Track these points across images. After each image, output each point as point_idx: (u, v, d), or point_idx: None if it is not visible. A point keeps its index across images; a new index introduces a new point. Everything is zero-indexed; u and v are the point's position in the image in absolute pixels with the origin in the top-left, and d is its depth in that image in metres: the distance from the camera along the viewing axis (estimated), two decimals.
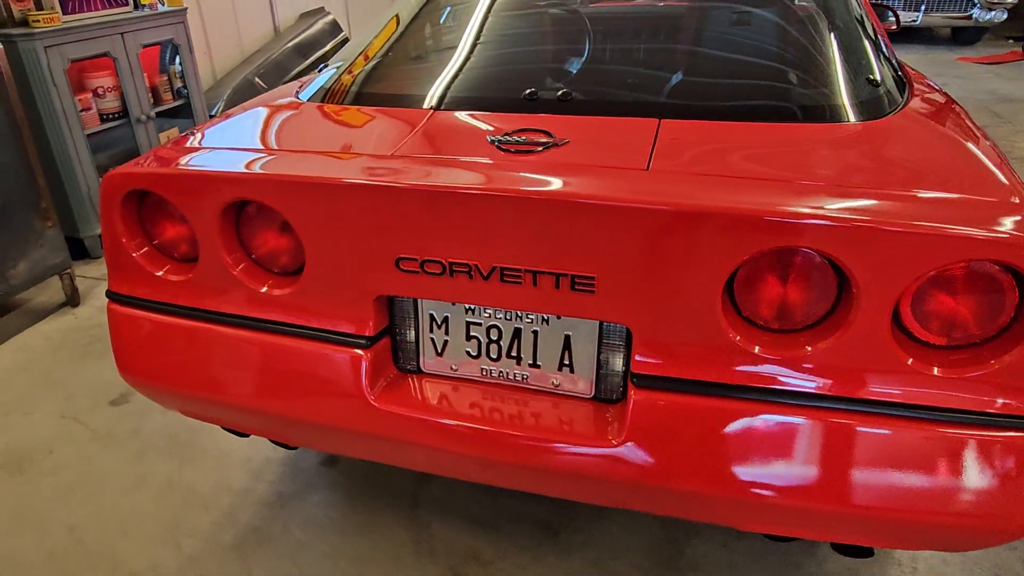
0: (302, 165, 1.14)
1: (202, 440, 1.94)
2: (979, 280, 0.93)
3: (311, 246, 1.15)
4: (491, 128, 1.25)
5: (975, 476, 0.96)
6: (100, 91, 3.04)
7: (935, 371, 0.95)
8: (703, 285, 0.98)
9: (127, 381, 1.37)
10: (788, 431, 1.00)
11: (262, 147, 1.27)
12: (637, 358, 1.06)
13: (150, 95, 3.26)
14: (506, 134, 1.19)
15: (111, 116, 3.10)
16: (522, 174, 1.05)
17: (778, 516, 1.04)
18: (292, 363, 1.21)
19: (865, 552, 1.19)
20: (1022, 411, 0.94)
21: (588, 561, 1.55)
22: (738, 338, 1.00)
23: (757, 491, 1.02)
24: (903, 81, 1.42)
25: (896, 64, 1.50)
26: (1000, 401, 0.94)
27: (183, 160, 1.21)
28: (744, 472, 1.02)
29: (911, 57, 7.23)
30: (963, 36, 7.77)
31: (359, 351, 1.18)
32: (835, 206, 0.91)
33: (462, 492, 1.74)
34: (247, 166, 1.15)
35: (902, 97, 1.34)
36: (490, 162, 1.10)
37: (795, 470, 1.00)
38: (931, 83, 1.58)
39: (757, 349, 1.00)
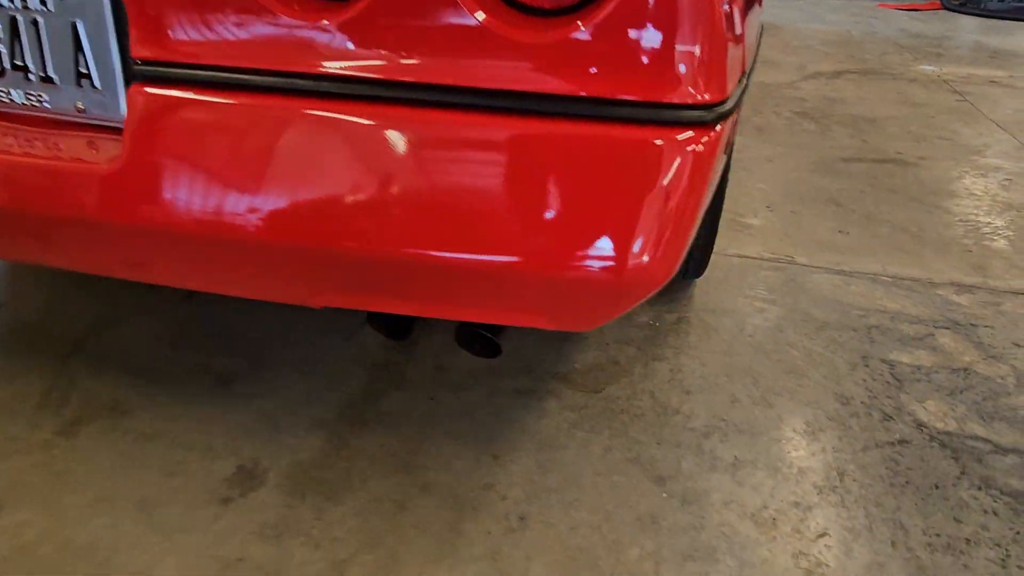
0: None
1: None
2: None
3: None
4: None
5: (573, 190, 0.66)
6: None
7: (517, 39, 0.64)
8: None
9: None
10: (330, 135, 0.69)
11: None
12: (132, 38, 0.72)
13: None
14: None
15: None
16: None
17: (319, 272, 0.73)
18: None
19: (491, 351, 0.89)
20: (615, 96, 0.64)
21: (256, 412, 1.23)
22: None
23: (283, 225, 0.70)
24: None
25: None
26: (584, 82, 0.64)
27: None
28: (270, 200, 0.70)
29: (832, 3, 7.07)
30: None
31: None
32: None
33: (144, 343, 1.40)
34: None
35: None
36: None
37: (340, 193, 0.69)
38: None
39: (286, 10, 0.68)
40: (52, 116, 0.85)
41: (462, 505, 1.07)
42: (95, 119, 0.84)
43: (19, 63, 0.82)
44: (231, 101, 0.70)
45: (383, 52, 0.67)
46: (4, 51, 0.82)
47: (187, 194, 0.73)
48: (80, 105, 0.83)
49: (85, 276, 1.61)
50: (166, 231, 0.74)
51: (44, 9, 0.79)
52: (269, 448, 1.16)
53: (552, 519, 1.05)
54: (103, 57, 0.79)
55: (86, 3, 0.77)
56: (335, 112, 0.68)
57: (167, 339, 1.41)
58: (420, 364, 1.37)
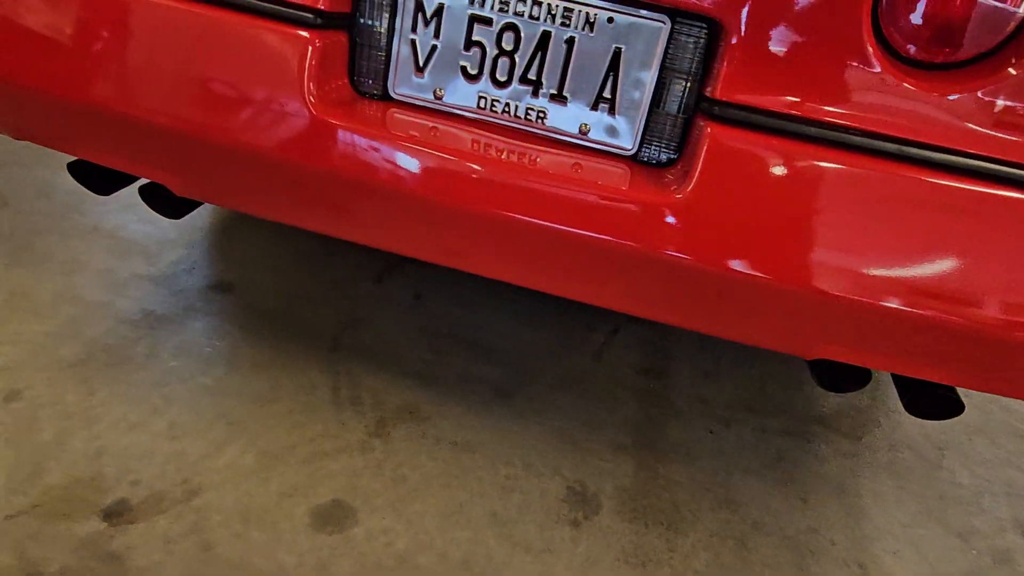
0: None
1: (47, 243, 1.46)
2: None
3: None
4: None
5: None
6: None
7: None
8: None
9: None
10: (947, 198, 0.70)
11: None
12: (722, 76, 0.72)
13: None
14: None
15: None
16: None
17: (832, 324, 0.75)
18: (196, 40, 0.80)
19: (951, 411, 0.92)
20: None
21: (553, 430, 1.23)
22: (880, 63, 0.68)
23: (877, 282, 0.72)
24: None
25: None
26: None
27: None
28: (864, 256, 0.72)
29: None
30: None
31: (304, 32, 0.78)
32: None
33: (398, 342, 1.36)
34: None
35: None
36: None
37: (952, 257, 0.71)
38: None
39: (906, 83, 0.69)
40: (540, 131, 0.84)
41: (798, 548, 1.09)
42: (593, 142, 0.83)
43: (531, 77, 0.81)
44: (823, 158, 0.71)
45: (998, 128, 0.69)
46: (519, 63, 0.81)
47: (747, 239, 0.73)
48: (584, 125, 0.83)
49: (311, 259, 1.56)
50: (716, 273, 0.74)
51: (587, 33, 0.78)
52: (585, 470, 1.15)
53: (887, 569, 1.08)
54: (635, 81, 0.79)
55: (640, 30, 0.77)
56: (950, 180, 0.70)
57: (418, 341, 1.38)
58: (680, 392, 1.38)
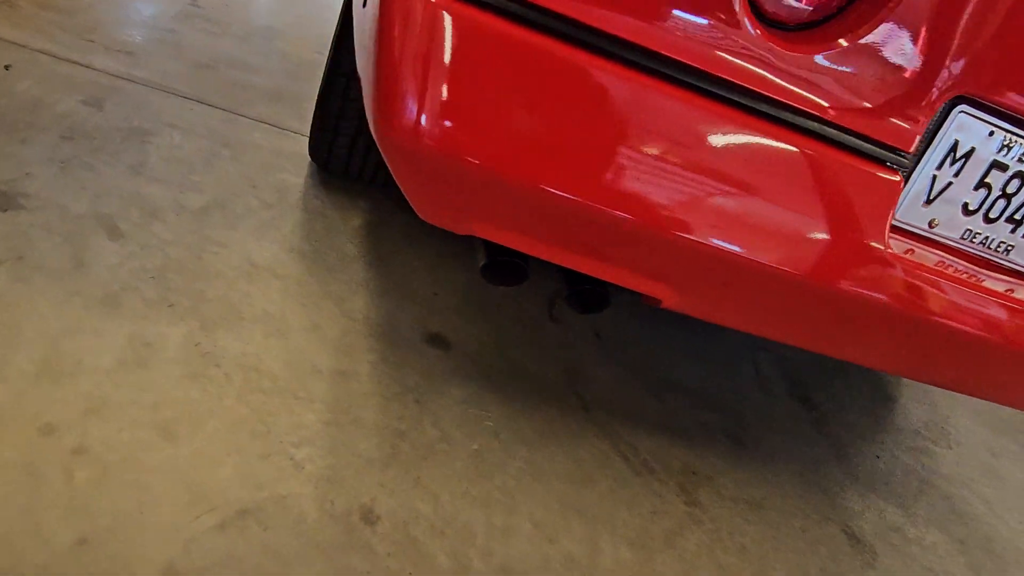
0: None
1: (217, 291, 1.15)
2: None
3: None
4: None
5: None
6: None
7: None
8: None
9: (390, 141, 0.69)
10: None
11: None
12: None
13: None
14: None
15: None
16: None
17: None
18: (759, 170, 0.74)
19: None
20: None
21: (794, 474, 1.35)
22: None
23: None
24: None
25: None
26: None
27: None
28: None
29: None
30: None
31: (894, 175, 0.77)
32: None
33: (625, 392, 1.35)
34: None
35: None
36: None
37: None
38: None
39: None
40: (999, 260, 0.93)
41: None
42: None
43: (1017, 218, 0.89)
44: None
45: None
46: (1012, 204, 0.88)
47: None
48: None
49: (475, 291, 1.44)
50: None
51: None
52: (840, 512, 1.30)
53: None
54: None
55: None
56: None
57: (636, 388, 1.39)
58: (834, 420, 1.58)
